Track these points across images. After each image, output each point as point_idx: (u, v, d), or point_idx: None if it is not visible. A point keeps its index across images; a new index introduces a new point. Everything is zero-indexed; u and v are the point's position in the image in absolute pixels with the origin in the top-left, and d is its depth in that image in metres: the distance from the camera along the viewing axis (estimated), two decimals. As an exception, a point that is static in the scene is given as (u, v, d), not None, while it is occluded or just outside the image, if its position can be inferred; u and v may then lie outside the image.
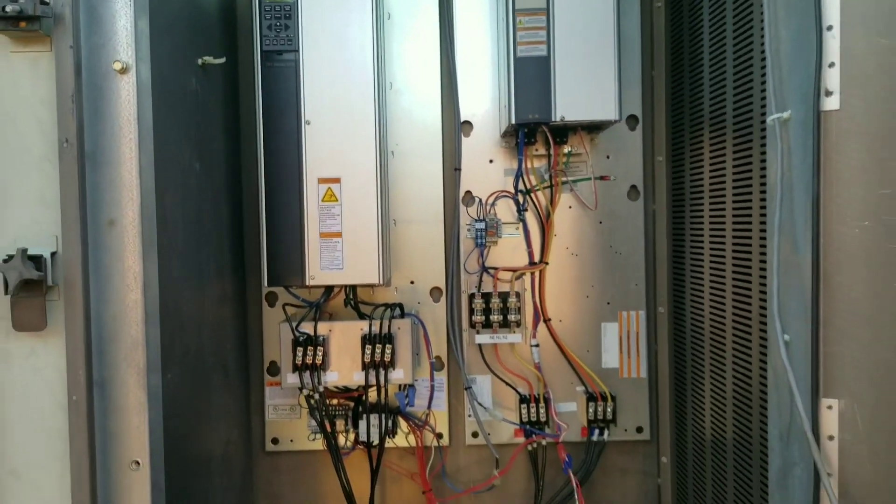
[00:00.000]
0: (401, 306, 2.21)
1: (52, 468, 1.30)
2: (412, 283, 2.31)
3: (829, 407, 1.26)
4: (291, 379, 2.06)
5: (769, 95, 1.36)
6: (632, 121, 2.31)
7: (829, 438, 1.26)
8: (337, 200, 1.98)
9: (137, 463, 1.31)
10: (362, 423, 2.19)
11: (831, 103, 1.23)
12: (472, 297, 2.26)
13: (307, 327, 2.07)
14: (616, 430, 2.32)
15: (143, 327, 1.30)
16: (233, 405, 2.12)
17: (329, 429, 2.10)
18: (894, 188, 1.20)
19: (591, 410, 2.28)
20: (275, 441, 2.32)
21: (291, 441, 2.31)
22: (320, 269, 1.99)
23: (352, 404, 2.21)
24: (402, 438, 2.29)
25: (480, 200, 2.28)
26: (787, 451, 1.36)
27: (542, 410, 2.28)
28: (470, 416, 2.31)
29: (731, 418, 1.81)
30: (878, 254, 1.23)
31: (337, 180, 1.98)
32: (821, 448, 1.26)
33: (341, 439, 2.25)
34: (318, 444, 2.22)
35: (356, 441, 2.20)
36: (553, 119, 2.02)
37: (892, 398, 1.21)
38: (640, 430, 2.33)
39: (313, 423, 2.19)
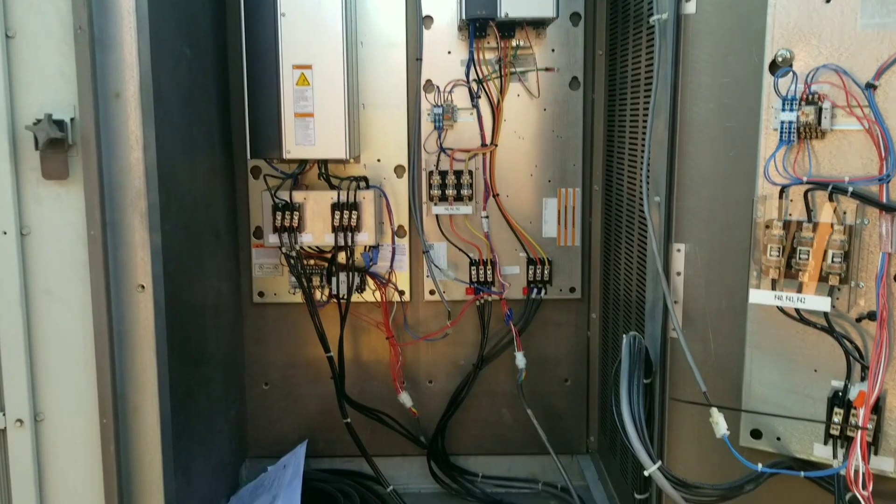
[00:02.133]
0: (366, 179, 2.56)
1: (77, 289, 1.67)
2: (379, 160, 2.65)
3: (678, 250, 1.62)
4: (273, 239, 2.43)
5: (654, -1, 1.67)
6: (575, 17, 2.58)
7: (677, 274, 1.63)
8: (309, 84, 2.29)
9: (142, 287, 1.68)
10: (335, 280, 2.58)
11: (689, 8, 1.54)
12: (430, 174, 2.60)
13: (286, 196, 2.42)
14: (552, 290, 2.70)
15: (143, 180, 1.65)
16: (224, 263, 2.50)
17: (305, 283, 2.48)
18: (732, 77, 1.52)
19: (531, 273, 2.67)
20: (261, 294, 2.71)
21: (275, 294, 2.70)
22: (295, 145, 2.33)
23: (325, 264, 2.59)
24: (370, 294, 2.68)
25: (439, 88, 2.59)
26: (655, 289, 1.73)
27: (489, 272, 2.66)
28: (428, 276, 2.69)
29: (636, 279, 2.18)
30: (718, 130, 1.56)
31: (309, 66, 2.29)
32: (671, 283, 1.63)
33: (318, 294, 2.63)
34: (298, 297, 2.61)
35: (330, 295, 2.59)
36: (499, 15, 2.31)
37: (722, 242, 1.57)
38: (572, 290, 2.72)
39: (293, 279, 2.58)
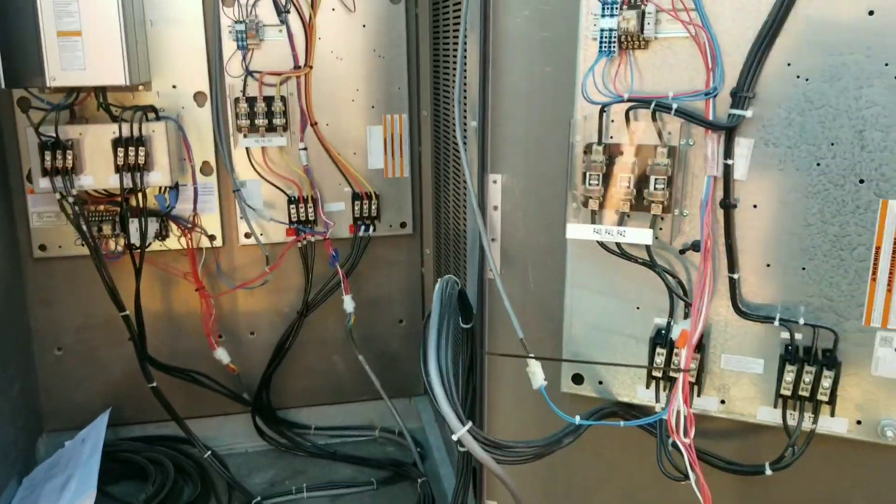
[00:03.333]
0: (154, 109, 2.21)
1: None
2: (174, 87, 2.29)
3: (494, 181, 1.42)
4: (43, 184, 2.06)
5: None
6: (390, -79, 2.30)
7: (494, 209, 1.43)
8: (71, -5, 1.91)
9: None
10: (131, 227, 2.24)
11: None
12: (236, 101, 2.28)
13: (59, 132, 2.04)
14: (381, 226, 2.48)
15: None
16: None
17: (88, 232, 2.12)
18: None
19: (357, 208, 2.43)
20: (42, 248, 2.33)
21: (60, 247, 2.33)
22: (61, 70, 1.94)
23: (118, 210, 2.24)
24: (175, 241, 2.36)
25: (240, 1, 2.25)
26: (474, 225, 1.53)
27: (310, 210, 2.40)
28: (241, 218, 2.40)
29: (463, 213, 1.98)
30: (534, 41, 1.36)
31: (68, -27, 1.90)
32: (488, 218, 1.44)
33: (112, 244, 2.29)
34: (87, 249, 2.25)
35: (126, 245, 2.25)
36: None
37: (540, 171, 1.39)
38: (403, 225, 2.51)
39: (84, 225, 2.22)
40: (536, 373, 1.30)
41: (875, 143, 1.16)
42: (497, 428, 1.52)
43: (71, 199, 2.07)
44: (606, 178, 1.26)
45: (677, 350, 1.23)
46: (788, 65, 1.19)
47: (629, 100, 1.23)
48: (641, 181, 1.25)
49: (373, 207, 2.43)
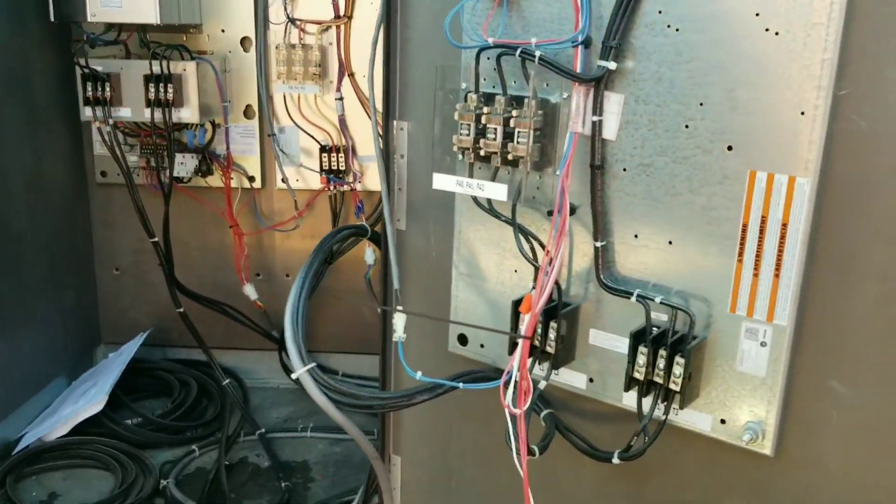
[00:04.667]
0: (188, 49, 2.33)
1: None
2: (223, 31, 2.42)
3: (401, 129, 1.39)
4: (87, 112, 2.25)
5: None
6: None
7: (400, 157, 1.40)
8: (107, -63, 2.06)
9: None
10: (174, 161, 2.41)
11: None
12: (276, 47, 2.36)
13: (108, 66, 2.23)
14: (410, 182, 2.48)
15: None
16: (45, 137, 2.34)
17: (123, 160, 2.30)
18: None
19: (386, 162, 2.45)
20: (103, 174, 2.56)
21: (118, 175, 2.54)
22: (101, 6, 2.11)
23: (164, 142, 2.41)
24: (218, 179, 2.51)
25: (284, -51, 2.32)
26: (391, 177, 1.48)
27: (342, 160, 2.45)
28: (278, 162, 2.49)
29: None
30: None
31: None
32: (394, 166, 1.41)
33: (160, 176, 2.47)
34: (144, 178, 2.45)
35: (169, 177, 2.42)
36: None
37: (441, 117, 1.33)
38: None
39: (134, 158, 2.42)
40: (398, 326, 1.27)
41: (745, 104, 1.01)
42: (404, 383, 1.50)
43: (108, 129, 2.25)
44: (483, 130, 1.19)
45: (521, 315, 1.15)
46: (659, 12, 1.06)
47: (494, 45, 1.15)
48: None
49: (402, 162, 2.44)
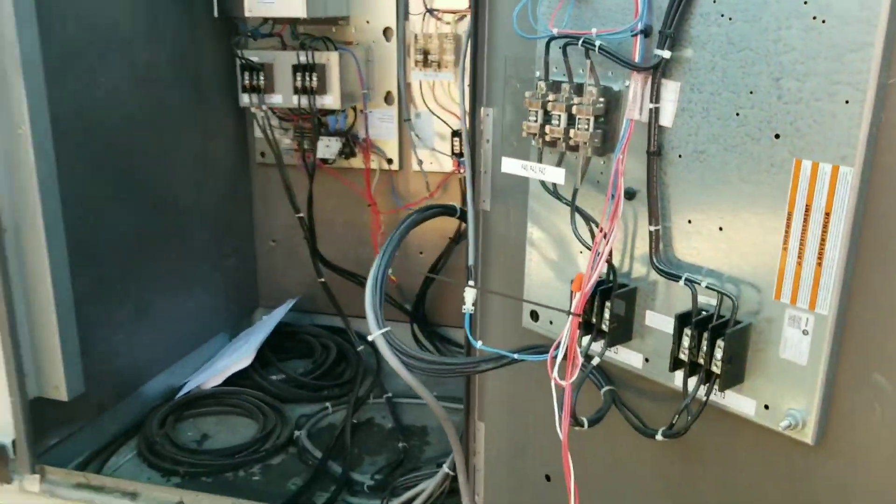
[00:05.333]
0: (331, 40, 2.53)
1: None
2: (368, 22, 2.61)
3: (487, 115, 1.48)
4: (245, 99, 2.52)
5: None
6: None
7: (486, 141, 1.50)
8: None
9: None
10: (320, 144, 2.64)
11: None
12: (414, 37, 2.52)
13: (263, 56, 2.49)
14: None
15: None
16: (210, 119, 2.65)
17: (274, 144, 2.55)
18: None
19: (514, 147, 2.54)
20: (262, 154, 2.84)
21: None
22: (256, 3, 2.36)
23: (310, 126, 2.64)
24: (360, 161, 2.72)
25: (422, -57, 2.47)
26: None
27: (472, 144, 2.57)
28: (413, 145, 2.66)
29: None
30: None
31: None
32: (480, 149, 1.51)
33: (310, 157, 2.71)
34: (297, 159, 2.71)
35: (313, 159, 2.66)
36: None
37: (514, 103, 1.41)
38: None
39: (287, 141, 2.68)
40: (467, 299, 1.37)
41: (791, 93, 1.01)
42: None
43: (261, 114, 2.51)
44: (549, 116, 1.26)
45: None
46: (714, 1, 1.08)
47: (558, 36, 1.21)
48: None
49: (529, 147, 2.52)
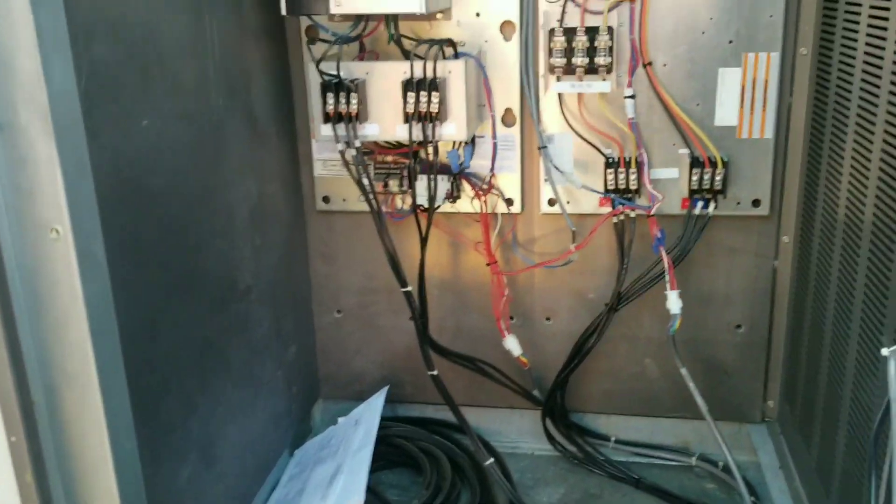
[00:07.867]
0: (453, 43, 1.79)
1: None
2: (478, 15, 1.86)
3: None
4: (325, 131, 1.75)
5: None
6: None
7: None
8: None
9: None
10: (419, 185, 1.89)
11: None
12: (551, 32, 1.78)
13: (343, 70, 1.71)
14: (726, 203, 1.88)
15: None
16: (266, 157, 1.87)
17: (370, 190, 1.79)
18: None
19: (695, 178, 1.85)
20: (325, 199, 2.07)
21: (344, 200, 2.06)
22: (348, -5, 1.60)
23: (406, 161, 1.89)
24: (468, 204, 1.98)
25: None
26: None
27: (632, 177, 1.87)
28: (546, 180, 1.94)
29: (873, 195, 1.34)
30: None
31: None
32: None
33: (398, 201, 1.97)
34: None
35: (413, 204, 1.90)
36: None
37: None
38: (756, 203, 1.88)
39: (366, 181, 1.91)
40: None
41: None
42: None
43: (353, 152, 1.75)
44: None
45: None
46: None
47: None
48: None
49: (717, 178, 1.84)
